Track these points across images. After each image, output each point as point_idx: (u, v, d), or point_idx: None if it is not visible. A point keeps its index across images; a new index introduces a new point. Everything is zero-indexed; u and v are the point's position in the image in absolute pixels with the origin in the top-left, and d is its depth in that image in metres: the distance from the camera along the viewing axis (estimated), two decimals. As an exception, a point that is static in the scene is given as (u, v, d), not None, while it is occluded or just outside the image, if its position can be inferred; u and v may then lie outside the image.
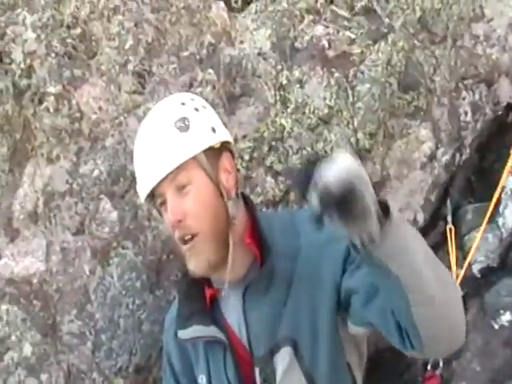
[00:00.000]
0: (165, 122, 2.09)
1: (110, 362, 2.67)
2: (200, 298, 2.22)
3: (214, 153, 2.11)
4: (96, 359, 2.65)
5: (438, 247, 3.18)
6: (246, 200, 2.25)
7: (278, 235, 2.15)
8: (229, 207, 2.10)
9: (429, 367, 2.90)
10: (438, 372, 2.89)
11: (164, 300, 2.71)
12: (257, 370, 2.13)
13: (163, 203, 2.10)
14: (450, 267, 3.06)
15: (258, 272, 2.13)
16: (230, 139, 2.21)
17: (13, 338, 2.57)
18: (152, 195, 2.11)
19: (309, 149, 2.89)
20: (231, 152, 2.20)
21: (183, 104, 2.13)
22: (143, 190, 2.12)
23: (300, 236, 2.15)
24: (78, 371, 2.64)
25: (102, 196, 2.66)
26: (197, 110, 2.12)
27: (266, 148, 2.85)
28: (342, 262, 2.05)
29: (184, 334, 2.20)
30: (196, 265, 2.10)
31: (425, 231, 3.16)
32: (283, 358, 2.12)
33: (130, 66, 2.69)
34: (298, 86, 2.91)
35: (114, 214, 2.67)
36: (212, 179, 2.09)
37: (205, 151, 2.08)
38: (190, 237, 2.08)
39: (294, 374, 2.12)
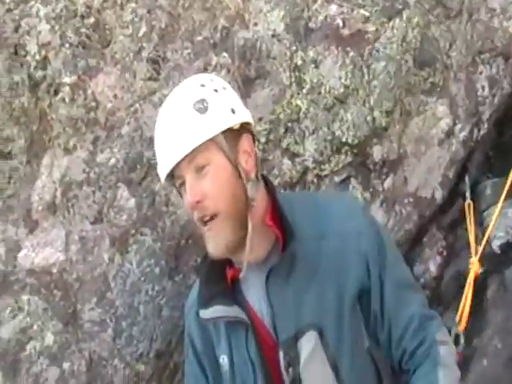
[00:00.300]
0: (184, 104, 2.07)
1: (131, 349, 2.68)
2: (221, 278, 2.21)
3: (234, 134, 2.09)
4: (117, 346, 2.67)
5: (457, 224, 3.16)
6: (267, 182, 2.23)
7: (300, 217, 2.15)
8: (248, 189, 2.09)
9: (450, 345, 2.90)
10: (459, 350, 2.88)
11: (183, 285, 2.72)
12: (281, 354, 2.13)
13: (182, 184, 2.10)
14: (469, 244, 3.05)
15: (280, 256, 2.12)
16: (251, 120, 2.19)
17: (34, 327, 2.58)
18: (172, 176, 2.11)
19: (325, 129, 2.87)
20: (252, 133, 2.19)
21: (202, 85, 2.11)
22: (163, 171, 2.11)
23: (326, 220, 2.16)
24: (100, 358, 2.66)
25: (119, 184, 2.66)
26: (216, 91, 2.11)
27: (282, 130, 2.84)
28: (367, 256, 2.13)
29: (206, 313, 2.20)
30: (214, 246, 2.10)
31: (443, 208, 3.15)
32: (308, 343, 2.12)
33: (145, 53, 2.68)
34: (312, 66, 2.88)
35: (132, 202, 2.67)
36: (231, 161, 2.07)
37: (224, 132, 2.06)
38: (208, 218, 2.07)
39: (318, 359, 2.12)
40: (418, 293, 2.28)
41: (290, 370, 2.13)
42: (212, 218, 2.07)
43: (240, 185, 2.08)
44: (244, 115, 2.15)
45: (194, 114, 2.05)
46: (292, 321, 2.13)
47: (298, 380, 2.13)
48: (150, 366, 2.72)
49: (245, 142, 2.12)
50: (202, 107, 2.05)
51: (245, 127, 2.14)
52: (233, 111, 2.10)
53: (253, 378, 2.17)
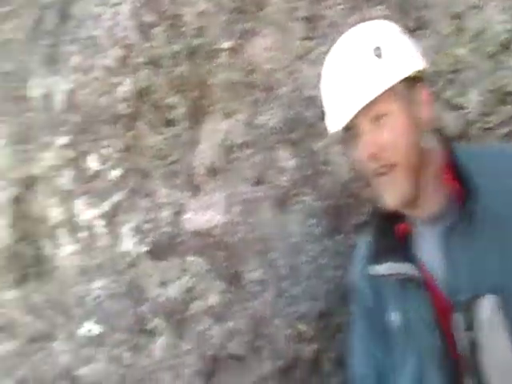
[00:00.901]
0: (361, 50, 1.98)
1: (293, 308, 2.69)
2: (392, 234, 2.14)
3: (411, 82, 1.99)
4: (279, 306, 2.68)
5: None
6: (441, 133, 2.13)
7: (479, 171, 2.00)
8: (425, 139, 2.01)
9: None
10: None
11: (344, 245, 2.68)
12: (457, 316, 2.01)
13: (356, 135, 2.02)
14: None
15: (458, 212, 2.00)
16: (427, 67, 2.07)
17: (199, 287, 2.64)
18: (344, 127, 2.03)
19: (489, 78, 2.74)
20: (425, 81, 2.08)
21: (379, 31, 2.01)
22: (338, 122, 2.02)
23: (508, 174, 2.01)
24: (262, 318, 2.68)
25: (278, 145, 2.65)
26: (393, 36, 2.01)
27: (443, 81, 2.73)
28: None
29: (378, 270, 2.14)
30: (391, 197, 2.02)
31: None
32: (487, 306, 1.98)
33: (299, 13, 2.64)
34: (474, 12, 2.73)
35: (292, 162, 2.66)
36: (409, 110, 1.98)
37: (403, 81, 1.97)
38: (385, 169, 1.99)
39: (497, 324, 1.98)
40: None
41: (468, 333, 2.00)
42: (390, 169, 1.99)
43: (418, 135, 1.99)
44: (422, 62, 2.04)
45: (373, 61, 1.96)
46: (471, 282, 2.00)
47: (475, 345, 2.00)
48: (311, 327, 2.71)
49: (422, 90, 2.02)
50: (381, 53, 1.96)
51: (420, 75, 2.03)
52: (411, 58, 2.00)
53: (429, 336, 2.07)
